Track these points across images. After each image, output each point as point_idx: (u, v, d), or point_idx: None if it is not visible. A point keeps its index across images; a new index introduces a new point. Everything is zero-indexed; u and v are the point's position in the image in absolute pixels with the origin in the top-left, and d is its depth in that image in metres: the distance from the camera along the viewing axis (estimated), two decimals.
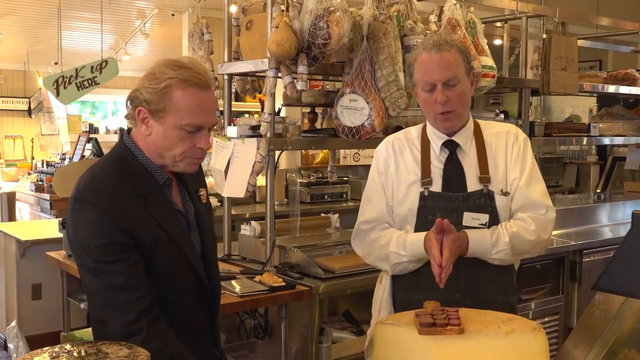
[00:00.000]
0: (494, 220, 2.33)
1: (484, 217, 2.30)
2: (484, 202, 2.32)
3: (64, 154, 9.04)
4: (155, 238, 1.86)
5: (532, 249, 2.40)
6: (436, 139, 2.41)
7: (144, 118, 1.87)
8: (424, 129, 2.47)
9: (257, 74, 3.87)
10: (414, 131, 2.50)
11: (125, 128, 2.08)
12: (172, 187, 1.98)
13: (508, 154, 2.39)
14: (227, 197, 3.71)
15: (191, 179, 2.08)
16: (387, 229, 2.44)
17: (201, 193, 2.09)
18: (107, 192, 1.83)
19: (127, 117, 1.94)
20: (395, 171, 2.43)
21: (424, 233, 2.28)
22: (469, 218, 2.31)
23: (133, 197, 1.86)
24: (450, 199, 2.33)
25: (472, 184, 2.35)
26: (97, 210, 1.80)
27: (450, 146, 2.39)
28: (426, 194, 2.35)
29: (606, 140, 5.57)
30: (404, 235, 2.36)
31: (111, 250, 1.80)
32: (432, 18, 3.94)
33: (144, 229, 1.84)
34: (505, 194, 2.35)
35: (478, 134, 2.43)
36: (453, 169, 2.38)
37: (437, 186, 2.36)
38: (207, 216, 2.12)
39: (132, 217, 1.83)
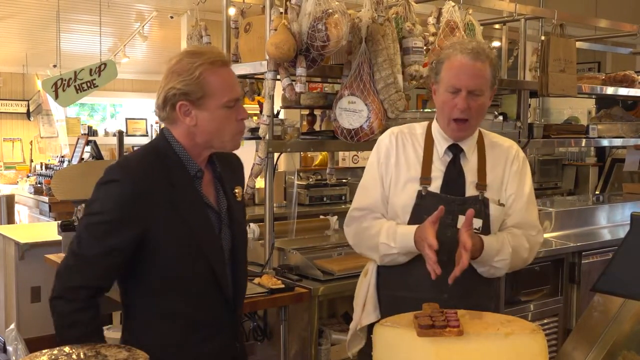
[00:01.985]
0: (486, 227, 2.36)
1: (478, 222, 2.32)
2: (479, 208, 2.34)
3: (62, 157, 9.05)
4: (169, 222, 1.93)
5: (521, 265, 2.46)
6: (441, 140, 2.41)
7: (186, 110, 1.95)
8: (429, 127, 2.46)
9: (255, 76, 3.87)
10: (418, 127, 2.49)
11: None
12: (203, 179, 2.05)
13: (507, 168, 2.43)
14: None
15: (229, 176, 2.15)
16: (379, 218, 2.44)
17: (236, 191, 2.15)
18: (135, 173, 1.93)
19: (163, 119, 2.01)
20: (395, 164, 2.43)
21: (415, 226, 2.29)
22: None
23: (161, 182, 1.94)
24: (447, 202, 2.33)
25: (470, 190, 2.37)
26: (119, 191, 1.90)
27: (455, 150, 2.40)
28: (424, 193, 2.35)
29: (605, 142, 5.58)
30: (395, 227, 2.36)
31: (105, 230, 1.90)
32: (431, 20, 3.95)
33: (158, 211, 1.92)
34: (501, 204, 2.39)
35: (480, 142, 2.45)
36: (454, 173, 2.39)
37: (435, 187, 2.36)
38: (241, 214, 2.18)
39: (151, 200, 1.91)
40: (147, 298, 2.01)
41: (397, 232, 2.34)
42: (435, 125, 2.44)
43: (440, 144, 2.41)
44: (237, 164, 2.27)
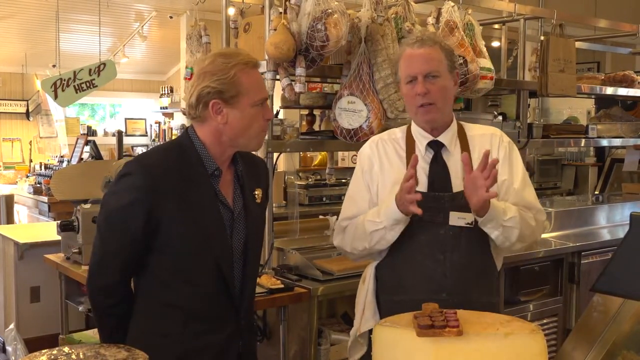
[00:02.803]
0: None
1: (470, 217, 2.31)
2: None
3: (62, 157, 9.05)
4: (179, 214, 1.99)
5: (529, 235, 2.40)
6: (421, 139, 2.42)
7: (218, 109, 2.03)
8: (408, 129, 2.48)
9: None
10: (398, 131, 2.52)
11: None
12: (222, 178, 2.10)
13: (494, 155, 2.40)
14: None
15: (251, 178, 2.19)
16: None
17: (256, 193, 2.20)
18: (149, 166, 2.01)
19: (193, 117, 2.07)
20: (380, 170, 2.44)
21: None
22: (454, 217, 2.32)
23: (175, 176, 2.01)
24: (437, 199, 2.33)
25: (457, 184, 2.36)
26: (133, 183, 1.98)
27: (435, 146, 2.41)
28: None
29: (604, 142, 5.57)
30: (378, 207, 2.38)
31: (122, 223, 1.99)
32: (430, 20, 3.94)
33: (170, 204, 1.98)
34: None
35: (462, 135, 2.44)
36: (438, 169, 2.39)
37: (422, 186, 2.36)
38: (258, 214, 2.21)
39: (164, 193, 1.97)
40: (153, 287, 2.08)
41: (380, 209, 2.35)
42: (414, 125, 2.46)
43: (421, 142, 2.42)
44: (262, 167, 2.34)
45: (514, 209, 2.32)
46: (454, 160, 2.39)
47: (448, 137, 2.41)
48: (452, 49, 2.50)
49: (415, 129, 2.45)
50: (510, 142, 2.48)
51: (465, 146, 2.41)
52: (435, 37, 2.45)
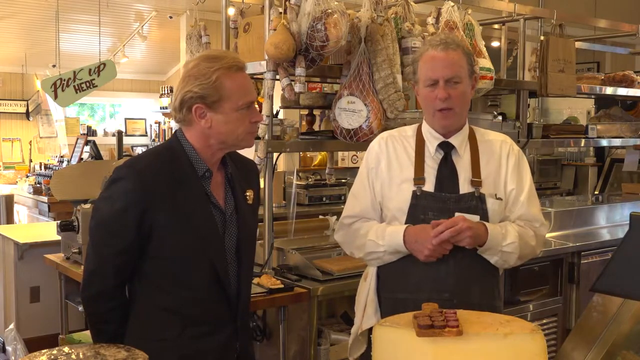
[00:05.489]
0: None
1: (475, 219, 2.32)
2: (475, 204, 2.34)
3: (62, 157, 9.04)
4: (172, 217, 1.98)
5: (529, 254, 2.44)
6: (432, 139, 2.42)
7: (202, 113, 2.02)
8: (419, 128, 2.48)
9: (255, 77, 3.87)
10: (409, 130, 2.51)
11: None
12: (213, 180, 2.10)
13: (503, 162, 2.43)
14: None
15: (241, 179, 2.19)
16: (370, 221, 2.46)
17: (247, 194, 2.19)
18: (140, 170, 2.00)
19: (178, 121, 2.07)
20: (387, 167, 2.44)
21: (404, 226, 2.32)
22: None
23: (166, 179, 2.00)
24: (443, 200, 2.34)
25: (464, 187, 2.37)
26: (125, 188, 1.97)
27: (446, 147, 2.41)
28: (419, 193, 2.36)
29: (604, 142, 5.57)
30: (384, 226, 2.39)
31: (116, 228, 1.99)
32: (430, 20, 3.94)
33: (163, 207, 1.97)
34: (499, 198, 2.38)
35: (472, 138, 2.45)
36: (446, 171, 2.39)
37: (429, 186, 2.37)
38: (250, 215, 2.21)
39: (156, 196, 1.97)
40: (149, 292, 2.07)
41: (385, 231, 2.36)
42: (425, 126, 2.46)
43: (431, 143, 2.42)
44: (252, 168, 2.34)
45: (514, 234, 2.34)
46: (462, 163, 2.40)
47: (459, 140, 2.42)
48: (472, 52, 2.49)
49: (427, 129, 2.45)
50: (520, 152, 2.49)
51: (474, 149, 2.42)
52: (459, 40, 2.43)
